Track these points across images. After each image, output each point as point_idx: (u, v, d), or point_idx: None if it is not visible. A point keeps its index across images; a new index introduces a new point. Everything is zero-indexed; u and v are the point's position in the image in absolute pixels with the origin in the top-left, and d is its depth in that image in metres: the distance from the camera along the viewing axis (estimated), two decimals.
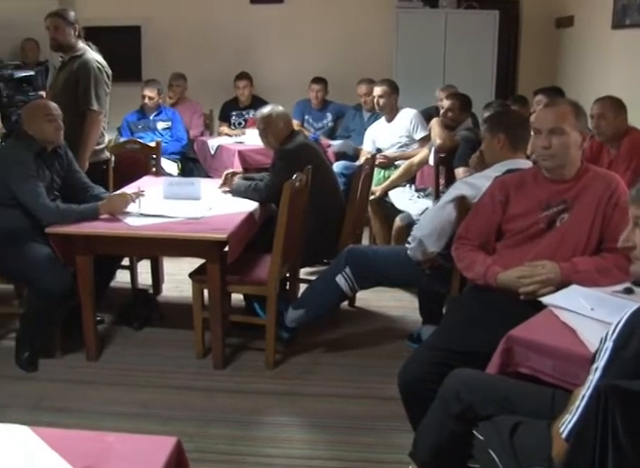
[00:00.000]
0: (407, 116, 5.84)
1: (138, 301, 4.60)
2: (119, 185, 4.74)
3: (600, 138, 4.37)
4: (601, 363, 1.74)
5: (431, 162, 5.11)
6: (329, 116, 7.23)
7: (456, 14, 7.81)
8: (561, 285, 2.66)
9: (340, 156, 6.44)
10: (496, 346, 2.35)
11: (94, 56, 4.70)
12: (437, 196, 4.76)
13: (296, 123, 6.12)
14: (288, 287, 4.40)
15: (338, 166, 5.86)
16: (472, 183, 3.44)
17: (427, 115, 5.93)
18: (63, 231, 3.77)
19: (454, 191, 3.47)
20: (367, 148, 5.96)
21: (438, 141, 4.90)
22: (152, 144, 5.60)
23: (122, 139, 6.40)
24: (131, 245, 3.86)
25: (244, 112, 7.51)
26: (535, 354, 2.25)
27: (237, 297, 4.37)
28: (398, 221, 4.99)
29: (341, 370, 3.88)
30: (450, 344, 2.70)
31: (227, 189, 4.46)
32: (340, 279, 3.78)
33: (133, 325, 4.39)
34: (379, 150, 5.86)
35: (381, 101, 5.82)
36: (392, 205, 5.28)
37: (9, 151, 4.00)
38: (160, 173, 5.53)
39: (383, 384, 3.62)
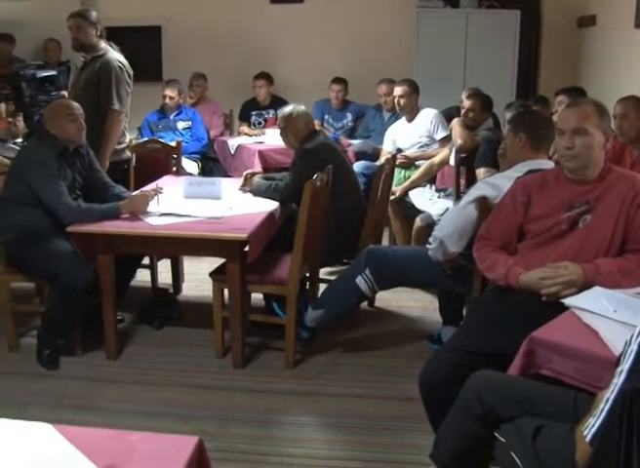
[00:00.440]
0: (427, 116, 5.83)
1: (158, 300, 4.62)
2: (140, 185, 4.76)
3: (622, 139, 4.33)
4: (626, 366, 1.73)
5: (452, 162, 5.08)
6: (349, 116, 7.22)
7: (477, 13, 7.76)
8: (583, 286, 2.64)
9: (360, 156, 6.43)
10: (517, 348, 2.34)
11: (115, 55, 4.72)
12: (458, 196, 4.73)
13: (316, 123, 6.11)
14: (308, 286, 4.39)
15: (358, 166, 5.86)
16: (493, 184, 3.43)
17: (448, 115, 5.91)
18: (84, 230, 3.79)
19: (475, 191, 3.46)
20: (387, 148, 5.94)
21: (459, 142, 4.88)
22: (173, 144, 5.61)
23: (143, 139, 6.42)
24: (152, 244, 3.87)
25: (264, 112, 7.51)
26: (557, 356, 2.24)
27: (257, 297, 4.38)
28: (418, 222, 4.98)
29: (361, 371, 3.87)
30: (471, 345, 2.68)
31: (247, 189, 4.46)
32: (359, 280, 3.77)
33: (153, 324, 4.41)
34: (399, 150, 5.84)
35: (402, 101, 5.81)
36: (412, 205, 5.27)
37: (31, 151, 4.03)
38: (180, 172, 5.55)
39: (403, 385, 3.63)
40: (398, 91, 5.82)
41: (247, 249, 3.71)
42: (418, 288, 4.80)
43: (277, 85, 7.64)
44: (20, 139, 5.23)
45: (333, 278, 4.44)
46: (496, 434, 2.18)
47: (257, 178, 4.49)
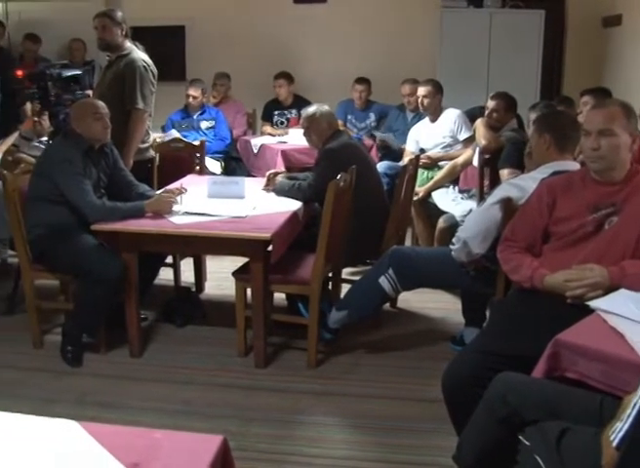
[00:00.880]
0: (451, 116, 5.80)
1: (180, 299, 4.63)
2: (163, 184, 4.78)
3: None
4: None
5: (475, 163, 5.06)
6: (372, 116, 7.21)
7: (501, 13, 7.73)
8: (609, 289, 2.61)
9: (383, 152, 6.43)
10: (542, 350, 2.32)
11: (140, 55, 4.74)
12: (481, 197, 4.71)
13: (339, 123, 6.11)
14: (330, 287, 4.39)
15: (381, 166, 5.85)
16: (518, 185, 3.40)
17: (471, 116, 5.88)
18: (109, 228, 3.82)
19: (499, 192, 3.44)
20: (410, 148, 5.92)
21: (483, 142, 4.86)
22: (196, 143, 5.64)
23: (168, 131, 6.47)
24: (175, 243, 3.88)
25: (286, 112, 7.52)
26: (582, 359, 2.21)
27: (279, 296, 4.38)
28: (441, 222, 4.96)
29: (383, 371, 3.86)
30: (495, 347, 2.66)
31: (271, 189, 4.47)
32: (383, 280, 3.76)
33: (175, 322, 4.43)
34: (422, 150, 5.82)
35: (425, 102, 5.79)
36: (435, 206, 5.26)
37: (57, 149, 4.05)
38: (204, 171, 5.57)
39: (426, 386, 3.62)
40: (422, 91, 5.80)
41: (270, 248, 3.72)
42: (440, 289, 4.78)
43: (300, 85, 7.65)
44: (45, 138, 5.26)
45: (355, 278, 4.44)
46: (520, 437, 2.16)
47: (280, 178, 4.50)
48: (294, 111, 7.40)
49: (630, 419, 1.70)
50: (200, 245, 3.90)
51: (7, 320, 4.55)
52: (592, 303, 2.52)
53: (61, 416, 1.84)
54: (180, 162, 5.43)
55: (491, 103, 5.07)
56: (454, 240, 3.59)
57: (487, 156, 4.80)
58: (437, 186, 5.36)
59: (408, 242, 5.33)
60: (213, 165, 6.61)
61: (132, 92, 4.61)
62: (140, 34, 5.06)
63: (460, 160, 5.36)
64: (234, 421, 3.35)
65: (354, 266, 4.90)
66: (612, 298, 2.53)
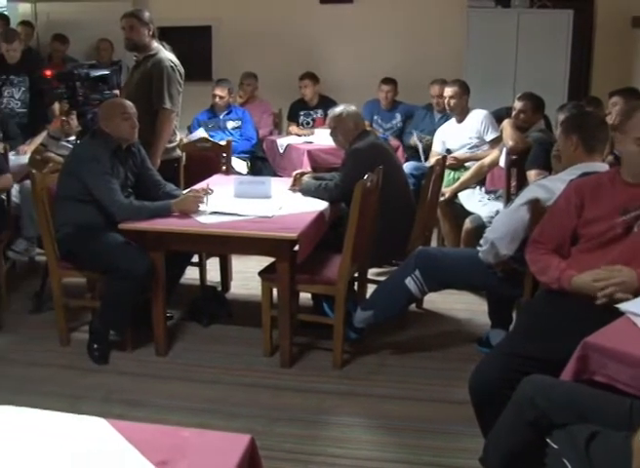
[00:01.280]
0: (477, 117, 5.78)
1: (206, 298, 4.65)
2: (190, 183, 4.80)
3: None
4: None
5: (502, 164, 5.03)
6: (398, 117, 7.18)
7: (528, 13, 7.68)
8: (638, 291, 2.59)
9: (410, 155, 6.42)
10: (570, 353, 2.30)
11: (167, 55, 4.76)
12: (508, 199, 4.69)
13: (365, 123, 6.10)
14: (356, 287, 4.38)
15: (407, 166, 5.84)
16: (546, 186, 3.38)
17: (498, 116, 5.84)
18: (136, 227, 3.84)
19: (527, 194, 3.42)
20: (436, 149, 5.91)
21: (510, 143, 4.83)
22: (223, 143, 5.66)
23: (195, 130, 6.49)
24: (202, 242, 3.89)
25: (312, 112, 7.52)
26: (611, 362, 2.19)
27: (305, 296, 4.38)
28: (468, 223, 4.94)
29: (409, 372, 3.85)
30: (523, 350, 2.65)
31: (297, 189, 4.47)
32: (409, 281, 3.75)
33: (201, 321, 4.45)
34: (448, 151, 5.80)
35: (452, 102, 5.76)
36: (462, 206, 5.24)
37: (85, 148, 4.08)
38: (230, 171, 5.58)
39: (451, 387, 3.61)
40: (449, 91, 5.78)
41: (297, 248, 3.72)
42: (467, 290, 4.76)
43: (326, 85, 7.64)
44: (73, 137, 5.30)
45: (381, 279, 4.44)
46: (547, 440, 2.15)
47: (306, 178, 4.50)
48: (319, 111, 7.39)
49: None
50: (227, 244, 3.90)
51: (34, 317, 4.59)
52: (622, 306, 2.49)
53: (88, 414, 1.85)
54: (206, 162, 5.45)
55: (518, 104, 5.03)
56: (481, 241, 3.57)
57: (514, 157, 4.77)
58: (464, 187, 5.33)
59: (434, 243, 5.31)
60: (239, 165, 6.62)
61: (159, 92, 4.64)
62: (166, 34, 5.08)
63: (486, 161, 5.33)
64: (260, 421, 3.35)
65: (380, 267, 4.89)
66: None
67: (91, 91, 4.64)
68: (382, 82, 7.22)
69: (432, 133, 6.21)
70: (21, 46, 6.36)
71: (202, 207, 3.98)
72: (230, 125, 6.95)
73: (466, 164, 5.66)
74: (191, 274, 4.90)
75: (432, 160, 5.49)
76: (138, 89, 4.72)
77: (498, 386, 2.59)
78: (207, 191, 4.13)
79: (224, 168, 5.52)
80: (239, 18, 8.40)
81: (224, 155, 5.57)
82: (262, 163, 7.05)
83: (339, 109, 4.48)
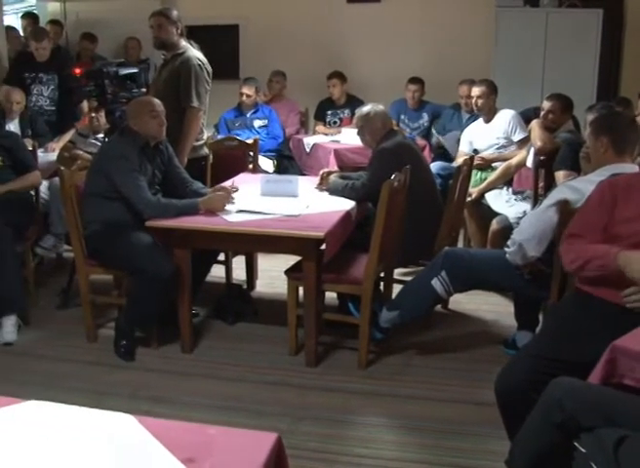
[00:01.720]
0: (505, 117, 5.73)
1: (232, 296, 4.66)
2: (217, 181, 4.82)
3: None
4: None
5: (529, 164, 4.99)
6: (425, 116, 7.15)
7: (557, 13, 7.62)
8: None
9: (437, 155, 6.39)
10: (599, 356, 2.28)
11: (195, 53, 4.77)
12: (536, 199, 4.66)
13: (393, 123, 6.08)
14: (382, 287, 4.37)
15: (434, 166, 5.81)
16: (575, 188, 3.35)
17: (526, 117, 5.80)
18: (163, 225, 3.85)
19: (556, 195, 3.39)
20: (464, 149, 5.87)
21: (538, 144, 4.79)
22: (250, 141, 5.67)
23: (219, 137, 6.50)
24: (228, 240, 3.90)
25: (339, 111, 7.51)
26: None
27: (330, 295, 4.38)
28: (495, 224, 4.91)
29: (434, 373, 3.84)
30: (550, 352, 2.63)
31: (324, 188, 4.47)
32: (435, 282, 3.73)
33: (227, 319, 4.46)
34: (475, 151, 5.77)
35: (480, 102, 5.73)
36: (489, 207, 5.20)
37: (113, 146, 4.11)
38: (257, 170, 5.59)
39: (477, 389, 3.59)
40: (476, 91, 5.75)
41: (323, 247, 3.72)
42: (493, 291, 4.74)
43: (353, 84, 7.63)
44: (101, 135, 5.34)
45: (407, 279, 4.43)
46: (575, 443, 2.13)
47: (333, 177, 4.50)
48: (346, 111, 7.39)
49: None
50: (253, 243, 3.91)
51: (62, 314, 4.64)
52: None
53: (114, 410, 1.86)
54: (233, 160, 5.46)
55: (547, 104, 4.99)
56: (509, 242, 3.55)
57: (542, 158, 4.74)
58: (491, 187, 5.30)
59: (460, 243, 5.29)
60: (265, 163, 6.63)
61: (187, 90, 4.64)
62: (194, 33, 5.10)
63: (513, 161, 5.29)
64: (284, 419, 3.35)
65: (406, 267, 4.87)
66: None
67: (119, 89, 4.67)
68: (410, 81, 7.19)
69: (459, 132, 6.18)
70: (51, 44, 6.42)
71: (229, 205, 3.99)
72: (257, 123, 6.96)
73: (494, 164, 5.62)
74: (217, 272, 4.92)
75: (459, 160, 5.46)
76: (165, 87, 4.73)
77: (524, 388, 2.58)
78: (230, 190, 4.14)
79: (251, 166, 5.53)
80: (266, 16, 8.42)
81: (251, 153, 5.58)
82: (289, 162, 7.06)
83: (366, 108, 4.47)
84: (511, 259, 3.50)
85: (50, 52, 6.36)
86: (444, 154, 6.45)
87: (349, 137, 6.33)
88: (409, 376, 3.81)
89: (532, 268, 3.53)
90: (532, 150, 4.93)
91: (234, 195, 4.13)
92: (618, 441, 1.97)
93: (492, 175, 5.39)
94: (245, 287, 5.01)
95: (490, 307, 4.73)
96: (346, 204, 4.17)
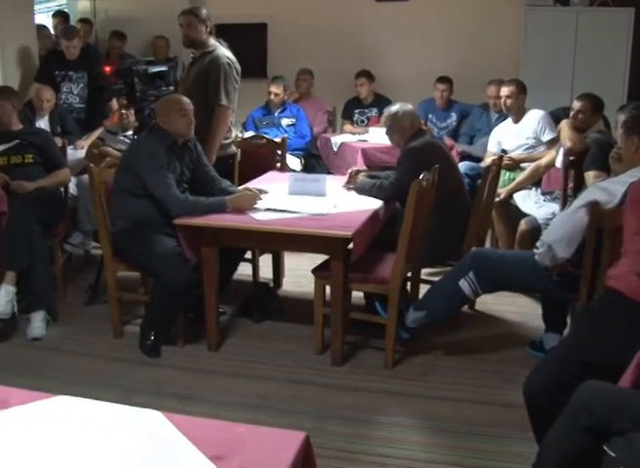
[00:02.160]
0: (534, 117, 5.69)
1: (258, 294, 4.67)
2: (244, 180, 4.82)
3: None
4: None
5: (559, 165, 4.96)
6: (453, 116, 7.12)
7: (588, 12, 7.55)
8: None
9: (464, 156, 6.36)
10: (629, 359, 2.26)
11: (224, 52, 4.78)
12: (565, 200, 4.62)
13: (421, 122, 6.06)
14: (409, 287, 4.35)
15: (462, 166, 5.78)
16: (606, 189, 3.32)
17: (555, 117, 5.75)
18: (191, 223, 3.86)
19: (587, 196, 3.36)
20: (492, 149, 5.83)
21: (568, 144, 4.75)
22: (278, 140, 5.67)
23: (247, 135, 6.52)
24: (256, 238, 3.90)
25: (366, 110, 7.51)
26: None
27: (356, 295, 4.37)
28: (523, 225, 4.87)
29: (460, 374, 3.82)
30: (580, 355, 2.60)
31: (352, 187, 4.46)
32: (463, 283, 3.71)
33: (253, 317, 4.46)
34: (504, 151, 5.73)
35: (508, 102, 5.68)
36: (517, 208, 5.16)
37: (142, 143, 4.12)
38: (285, 168, 5.60)
39: (503, 390, 3.58)
40: (505, 91, 5.70)
41: (351, 246, 3.71)
42: (521, 292, 4.71)
43: (381, 83, 7.62)
44: (130, 132, 5.37)
45: (434, 279, 4.41)
46: (604, 447, 2.11)
47: (361, 177, 4.49)
48: (374, 110, 7.38)
49: None
50: (281, 241, 3.91)
51: (89, 310, 4.67)
52: None
53: (141, 406, 1.87)
54: (261, 158, 5.47)
55: (577, 104, 4.95)
56: (538, 244, 3.52)
57: (572, 158, 4.70)
58: (519, 188, 5.26)
59: (487, 244, 5.26)
60: (293, 162, 6.63)
61: (215, 88, 4.66)
62: (222, 31, 5.11)
63: (543, 161, 5.25)
64: (310, 418, 3.35)
65: (433, 266, 4.85)
66: None
67: (148, 87, 4.69)
68: (438, 81, 7.16)
69: (488, 133, 6.14)
70: (81, 43, 6.46)
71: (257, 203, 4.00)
72: (285, 122, 6.98)
73: (522, 165, 5.58)
74: (244, 270, 4.93)
75: (488, 160, 5.43)
76: (194, 85, 4.74)
77: (553, 391, 2.56)
78: (262, 191, 4.14)
79: (279, 165, 5.53)
80: (294, 15, 8.42)
81: (279, 152, 5.58)
82: (316, 160, 7.06)
83: (395, 108, 4.45)
84: (540, 261, 3.48)
85: (80, 50, 6.41)
86: (471, 156, 6.41)
87: (377, 137, 6.33)
88: (435, 377, 3.80)
89: (561, 270, 3.50)
90: (561, 151, 4.89)
91: (262, 197, 4.13)
92: None
93: (520, 176, 5.35)
94: (272, 285, 5.02)
95: (517, 308, 4.69)
96: (374, 203, 4.16)
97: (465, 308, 4.44)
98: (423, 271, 4.51)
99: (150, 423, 1.77)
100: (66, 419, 1.78)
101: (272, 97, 6.96)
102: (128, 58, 7.45)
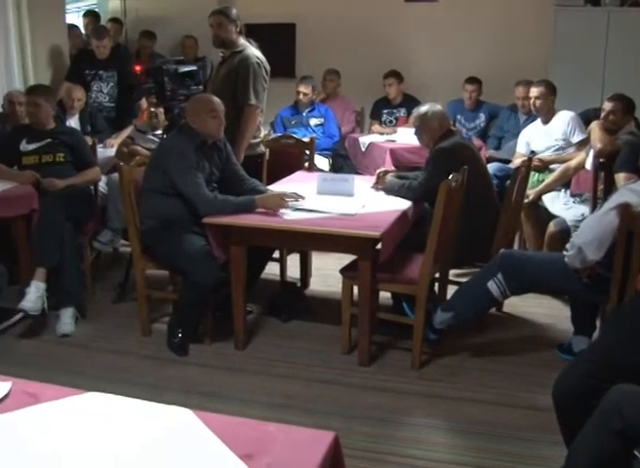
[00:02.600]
0: (564, 118, 5.64)
1: (286, 294, 4.68)
2: (273, 179, 4.83)
3: None
4: None
5: (588, 166, 4.91)
6: (482, 117, 7.09)
7: (619, 12, 7.45)
8: None
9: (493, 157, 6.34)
10: None
11: (254, 51, 4.80)
12: (595, 202, 4.58)
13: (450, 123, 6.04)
14: (437, 288, 4.34)
15: (492, 167, 5.74)
16: (637, 191, 3.30)
17: (585, 118, 5.71)
18: (220, 222, 3.87)
19: (617, 198, 3.33)
20: (521, 150, 5.80)
21: (598, 145, 4.71)
22: (306, 140, 5.68)
23: (275, 134, 6.53)
24: (284, 238, 3.90)
25: (395, 110, 7.49)
26: None
27: (384, 295, 4.36)
28: (552, 227, 4.84)
29: (488, 376, 3.80)
30: (611, 358, 2.58)
31: (380, 187, 4.45)
32: (491, 284, 3.69)
33: (280, 317, 4.47)
34: (533, 153, 5.69)
35: (538, 103, 5.64)
36: (546, 209, 5.13)
37: (172, 142, 4.14)
38: (313, 168, 5.60)
39: (531, 393, 3.56)
40: (534, 92, 5.67)
41: (379, 247, 3.70)
42: (549, 294, 4.69)
43: (409, 84, 7.60)
44: (159, 131, 5.40)
45: (461, 280, 4.39)
46: (635, 452, 2.09)
47: (389, 177, 4.48)
48: (403, 110, 7.37)
49: None
50: (309, 241, 3.90)
51: (117, 307, 4.71)
52: None
53: (169, 403, 1.88)
54: (289, 158, 5.47)
55: (607, 105, 4.91)
56: (567, 246, 3.50)
57: (602, 160, 4.66)
58: (548, 189, 5.22)
59: (515, 246, 5.23)
60: (321, 162, 6.64)
61: (245, 88, 4.67)
62: (250, 31, 5.12)
63: (572, 163, 5.21)
64: (336, 418, 3.35)
65: (460, 267, 4.83)
66: None
67: (178, 86, 4.71)
68: (467, 81, 7.13)
69: (516, 134, 6.11)
70: (111, 43, 6.51)
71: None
72: (313, 122, 6.99)
73: (551, 166, 5.54)
74: (272, 270, 4.94)
75: (517, 161, 5.40)
76: (223, 84, 4.76)
77: (582, 394, 2.53)
78: (297, 196, 4.13)
79: (307, 164, 5.54)
80: (323, 15, 8.42)
81: (307, 152, 5.59)
82: (344, 160, 7.06)
83: (424, 108, 4.44)
84: (570, 263, 3.45)
85: (110, 49, 6.46)
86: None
87: (405, 137, 6.31)
88: (462, 378, 3.78)
89: (590, 272, 3.47)
90: (591, 152, 4.85)
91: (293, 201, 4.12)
92: None
93: (550, 177, 5.31)
94: (299, 285, 5.03)
95: (545, 311, 4.66)
96: (403, 203, 4.15)
97: (493, 310, 4.42)
98: (451, 272, 4.50)
99: (180, 421, 1.78)
100: (97, 416, 1.79)
101: (301, 96, 6.98)
102: (157, 58, 7.49)
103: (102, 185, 5.26)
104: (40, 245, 4.23)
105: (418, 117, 4.44)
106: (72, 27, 7.41)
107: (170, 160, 3.99)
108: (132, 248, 4.20)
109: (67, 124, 5.61)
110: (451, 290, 4.19)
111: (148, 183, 4.09)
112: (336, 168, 6.85)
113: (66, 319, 4.26)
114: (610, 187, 4.38)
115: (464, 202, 4.09)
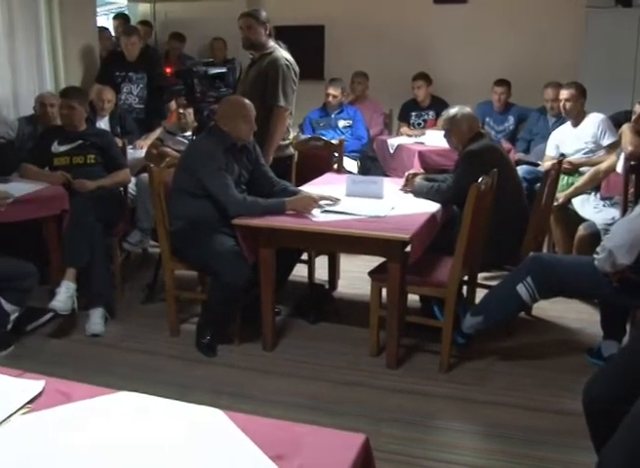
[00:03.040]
0: (594, 121, 5.60)
1: (314, 296, 4.69)
2: (302, 181, 4.84)
3: None
4: None
5: (619, 169, 4.87)
6: (511, 119, 7.06)
7: None
8: None
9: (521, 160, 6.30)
10: None
11: (283, 53, 4.81)
12: (625, 206, 4.54)
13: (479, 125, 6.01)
14: (466, 291, 4.33)
15: (521, 170, 5.71)
16: None
17: (616, 121, 5.66)
18: (249, 223, 3.88)
19: None
20: (550, 153, 5.77)
21: (629, 148, 4.66)
22: (335, 142, 5.68)
23: (303, 136, 6.54)
24: (313, 240, 3.91)
25: (423, 113, 7.48)
26: None
27: (412, 297, 4.35)
28: (581, 230, 4.80)
29: (517, 380, 3.78)
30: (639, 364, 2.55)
31: (409, 189, 4.45)
32: (520, 288, 3.67)
33: (308, 318, 4.48)
34: (562, 155, 5.65)
35: (568, 105, 5.61)
36: (575, 213, 5.08)
37: (201, 144, 4.16)
38: (342, 170, 5.60)
39: (559, 398, 3.53)
40: (564, 94, 5.63)
41: (408, 249, 3.70)
42: (579, 298, 4.65)
43: (438, 86, 7.58)
44: (189, 133, 5.43)
45: (490, 283, 4.37)
46: None
47: (418, 179, 4.47)
48: (431, 112, 7.36)
49: None
50: (338, 243, 3.90)
51: (146, 308, 4.75)
52: None
53: (197, 403, 1.89)
54: (318, 160, 5.48)
55: (638, 108, 4.86)
56: (598, 249, 3.47)
57: (633, 163, 4.62)
58: (578, 193, 5.18)
59: (544, 249, 5.19)
60: (349, 164, 6.63)
61: (274, 89, 4.69)
62: (279, 33, 5.14)
63: (602, 166, 5.17)
64: (364, 420, 3.35)
65: (489, 271, 4.81)
66: None
67: (208, 88, 4.74)
68: (496, 83, 7.11)
69: (546, 137, 6.07)
70: (140, 43, 6.56)
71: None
72: (342, 124, 7.00)
73: (581, 169, 5.50)
74: (300, 272, 4.95)
75: (547, 164, 5.36)
76: (252, 86, 4.78)
77: (612, 400, 2.51)
78: (333, 200, 4.13)
79: (336, 166, 5.54)
80: (352, 17, 8.42)
81: (336, 154, 5.59)
82: (372, 162, 7.06)
83: (453, 111, 4.43)
84: (600, 266, 3.42)
85: (139, 50, 6.51)
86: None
87: (434, 139, 6.30)
88: (491, 382, 3.77)
89: (621, 276, 3.44)
90: (622, 155, 4.81)
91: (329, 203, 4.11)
92: None
93: (579, 180, 5.27)
94: (327, 287, 5.03)
95: (574, 315, 4.63)
96: (432, 206, 4.14)
97: (522, 314, 4.40)
98: (480, 275, 4.48)
99: (211, 421, 1.79)
100: (129, 415, 1.81)
101: (330, 98, 6.99)
102: (186, 60, 7.56)
103: (132, 186, 5.30)
104: (71, 245, 4.27)
105: (447, 119, 4.43)
106: (102, 30, 7.49)
107: (199, 162, 4.01)
108: (161, 248, 4.23)
109: (97, 125, 5.67)
110: (479, 293, 4.18)
111: (178, 185, 4.11)
112: (364, 170, 6.85)
113: (96, 319, 4.30)
114: None
115: (494, 205, 4.08)
